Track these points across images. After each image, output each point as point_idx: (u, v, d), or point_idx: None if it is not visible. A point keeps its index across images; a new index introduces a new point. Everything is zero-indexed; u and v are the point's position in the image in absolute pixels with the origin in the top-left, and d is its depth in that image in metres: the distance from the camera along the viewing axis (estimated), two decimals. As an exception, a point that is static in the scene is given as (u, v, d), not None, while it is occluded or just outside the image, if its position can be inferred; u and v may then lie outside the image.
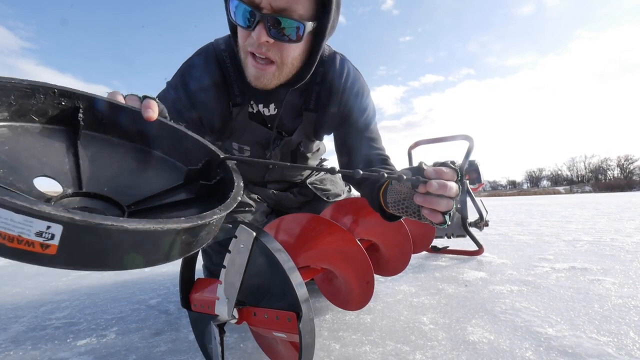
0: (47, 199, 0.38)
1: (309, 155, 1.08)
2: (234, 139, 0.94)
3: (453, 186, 0.51)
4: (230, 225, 0.53)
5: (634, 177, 58.82)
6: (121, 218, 0.28)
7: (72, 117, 0.47)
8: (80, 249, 0.27)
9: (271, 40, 0.66)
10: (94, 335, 0.83)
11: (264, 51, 0.68)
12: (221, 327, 0.52)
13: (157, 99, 0.51)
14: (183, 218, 0.32)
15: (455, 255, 1.75)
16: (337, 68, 0.88)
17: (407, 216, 0.59)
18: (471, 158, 1.73)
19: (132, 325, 0.89)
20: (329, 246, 0.71)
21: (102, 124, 0.50)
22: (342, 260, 0.73)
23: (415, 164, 1.92)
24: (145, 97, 0.51)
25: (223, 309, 0.51)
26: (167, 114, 0.55)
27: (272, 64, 0.71)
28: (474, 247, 1.73)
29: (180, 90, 0.84)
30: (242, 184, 0.45)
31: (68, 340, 0.81)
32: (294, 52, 0.71)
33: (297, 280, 0.47)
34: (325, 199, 1.14)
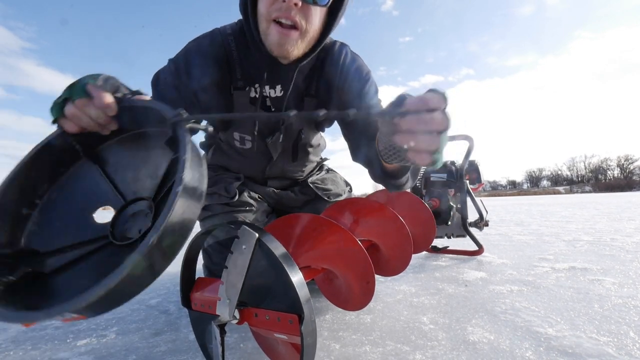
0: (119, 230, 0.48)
1: (310, 149, 1.07)
2: (234, 128, 0.94)
3: (437, 117, 0.40)
4: (232, 226, 0.53)
5: (634, 177, 58.83)
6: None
7: (77, 151, 0.54)
8: None
9: (299, 3, 0.69)
10: (94, 336, 0.83)
11: (292, 15, 0.70)
12: (222, 327, 0.52)
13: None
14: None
15: (455, 255, 1.75)
16: (335, 52, 0.90)
17: (400, 162, 0.50)
18: (471, 158, 1.73)
19: (132, 326, 0.89)
20: (329, 246, 0.71)
21: (97, 137, 0.54)
22: (343, 261, 0.73)
23: None
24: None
25: (224, 310, 0.51)
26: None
27: (296, 30, 0.73)
28: (474, 247, 1.73)
29: (181, 70, 0.83)
30: (187, 163, 0.40)
31: (68, 341, 0.81)
32: (317, 20, 0.74)
33: (299, 282, 0.47)
34: (326, 198, 1.13)
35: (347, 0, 0.77)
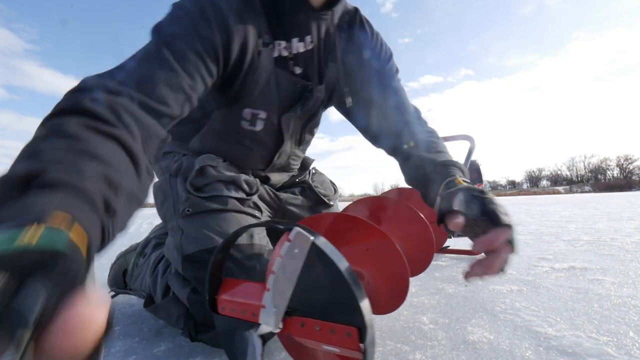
0: None
1: (315, 130, 0.97)
2: (246, 103, 0.75)
3: (503, 256, 0.49)
4: (281, 226, 0.48)
5: (634, 177, 58.89)
6: None
7: None
8: None
9: None
10: (94, 335, 0.83)
11: None
12: (263, 337, 0.48)
13: None
14: None
15: (455, 255, 1.76)
16: (357, 17, 0.82)
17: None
18: (472, 158, 1.73)
19: (131, 327, 0.89)
20: (361, 246, 0.66)
21: None
22: (376, 261, 0.68)
23: None
24: None
25: (269, 319, 0.46)
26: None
27: None
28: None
29: (211, 17, 0.59)
30: None
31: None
32: None
33: (360, 292, 0.42)
34: (328, 202, 1.06)
35: None
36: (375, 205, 0.88)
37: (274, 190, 0.95)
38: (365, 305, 0.42)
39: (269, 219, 0.88)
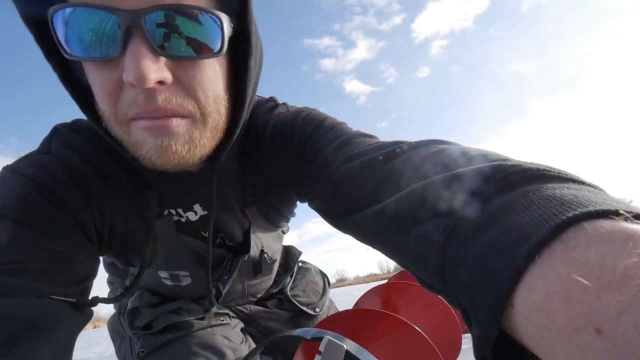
0: None
1: (276, 258, 0.81)
2: (159, 265, 0.63)
3: None
4: (308, 337, 0.44)
5: None
6: None
7: None
8: None
9: (169, 76, 0.36)
10: None
11: (162, 103, 0.36)
12: None
13: None
14: None
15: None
16: (260, 121, 0.56)
17: None
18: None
19: None
20: (386, 340, 0.61)
21: None
22: (405, 356, 0.62)
23: None
24: None
25: None
26: None
27: (183, 117, 0.39)
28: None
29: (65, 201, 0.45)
30: None
31: None
32: (215, 82, 0.40)
33: None
34: (311, 312, 0.90)
35: (252, 32, 0.41)
36: (389, 293, 0.81)
37: (239, 308, 0.84)
38: None
39: (242, 329, 0.79)
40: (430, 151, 0.37)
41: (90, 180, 0.48)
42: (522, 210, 0.23)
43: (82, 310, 0.44)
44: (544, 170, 0.26)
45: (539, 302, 0.19)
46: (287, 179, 0.54)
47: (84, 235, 0.47)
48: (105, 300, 0.55)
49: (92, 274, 0.48)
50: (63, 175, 0.45)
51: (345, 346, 0.39)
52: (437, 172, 0.33)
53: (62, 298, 0.39)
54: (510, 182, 0.26)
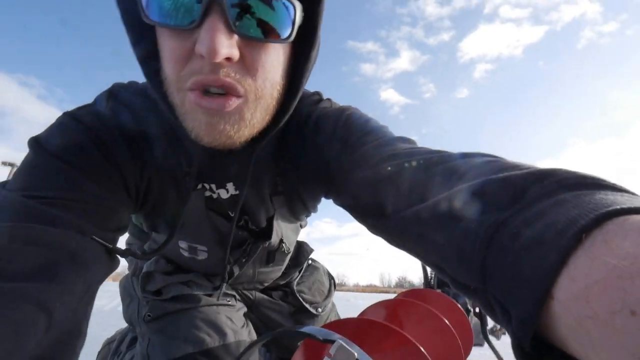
0: None
1: (291, 249, 0.82)
2: (181, 235, 0.65)
3: None
4: (325, 338, 0.41)
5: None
6: None
7: None
8: None
9: (237, 54, 0.37)
10: None
11: (223, 75, 0.38)
12: None
13: None
14: None
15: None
16: (304, 113, 0.57)
17: None
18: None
19: None
20: (391, 356, 0.61)
21: None
22: None
23: None
24: None
25: None
26: None
27: (237, 97, 0.40)
28: (491, 359, 1.53)
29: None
30: None
31: None
32: (276, 67, 0.42)
33: None
34: (314, 311, 0.91)
35: (320, 24, 0.43)
36: (396, 309, 0.79)
37: (245, 292, 0.86)
38: None
39: (245, 314, 0.79)
40: (477, 160, 0.36)
41: (137, 141, 0.51)
42: (573, 207, 0.23)
43: (113, 258, 0.46)
44: (598, 179, 0.26)
45: (579, 291, 0.20)
46: (321, 172, 0.54)
47: (124, 189, 0.50)
48: (135, 255, 0.60)
49: (125, 227, 0.51)
50: (115, 130, 0.48)
51: (355, 354, 0.38)
52: (485, 176, 0.32)
53: (100, 240, 0.42)
54: (564, 185, 0.26)
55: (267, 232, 0.67)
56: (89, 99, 0.53)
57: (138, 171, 0.52)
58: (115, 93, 0.53)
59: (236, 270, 0.72)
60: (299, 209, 0.66)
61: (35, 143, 0.44)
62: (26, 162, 0.44)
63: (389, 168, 0.43)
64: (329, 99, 0.60)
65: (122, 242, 0.91)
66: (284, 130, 0.55)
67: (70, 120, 0.47)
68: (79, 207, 0.41)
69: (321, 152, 0.53)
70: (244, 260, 0.70)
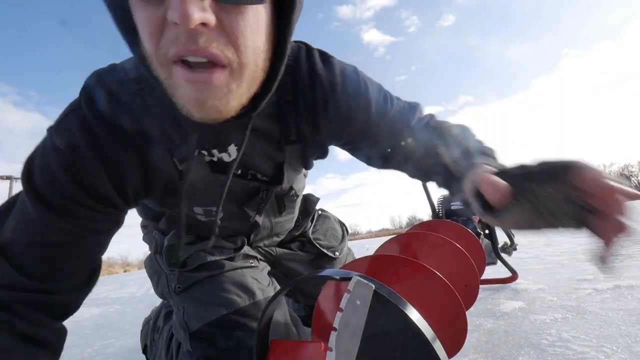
0: None
1: (299, 194, 0.86)
2: (194, 203, 0.68)
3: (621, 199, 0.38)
4: (338, 277, 0.44)
5: (662, 181, 56.25)
6: None
7: None
8: None
9: (212, 19, 0.36)
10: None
11: (203, 44, 0.37)
12: None
13: None
14: None
15: (488, 285, 1.66)
16: (303, 65, 0.60)
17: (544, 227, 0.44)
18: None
19: None
20: (408, 286, 0.62)
21: None
22: (427, 302, 0.63)
23: (434, 199, 1.76)
24: None
25: None
26: None
27: (221, 67, 0.40)
28: (505, 274, 1.65)
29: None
30: None
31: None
32: (257, 33, 0.41)
33: (439, 348, 0.38)
34: (332, 255, 0.99)
35: None
36: (408, 242, 0.80)
37: (266, 248, 0.91)
38: (443, 356, 0.37)
39: (269, 272, 0.84)
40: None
41: (133, 135, 0.53)
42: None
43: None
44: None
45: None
46: (332, 122, 0.63)
47: (114, 198, 0.56)
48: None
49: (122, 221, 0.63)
50: (88, 151, 0.51)
51: (373, 286, 0.40)
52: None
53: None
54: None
55: (279, 177, 0.71)
56: (65, 95, 0.59)
57: (137, 171, 0.56)
58: (95, 82, 0.52)
59: (259, 220, 0.76)
60: (310, 156, 0.72)
61: (28, 185, 0.52)
62: (23, 210, 0.53)
63: (390, 116, 0.67)
64: (319, 50, 0.64)
65: (136, 225, 0.95)
66: (286, 87, 0.59)
67: (48, 146, 0.52)
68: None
69: (331, 105, 0.61)
70: (262, 206, 0.73)
